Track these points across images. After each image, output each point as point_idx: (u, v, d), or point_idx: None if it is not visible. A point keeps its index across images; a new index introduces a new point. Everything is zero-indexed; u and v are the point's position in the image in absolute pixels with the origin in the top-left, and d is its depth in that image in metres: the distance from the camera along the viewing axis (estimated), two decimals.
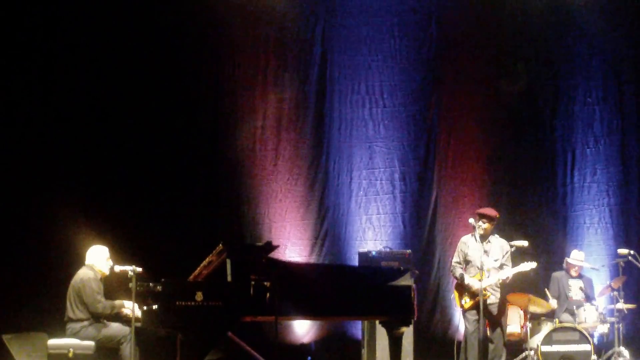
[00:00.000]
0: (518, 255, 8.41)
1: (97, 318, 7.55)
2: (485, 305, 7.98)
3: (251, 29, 10.25)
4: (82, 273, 7.65)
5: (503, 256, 8.29)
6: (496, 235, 8.42)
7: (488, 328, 8.19)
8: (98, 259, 7.72)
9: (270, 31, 10.29)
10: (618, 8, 10.88)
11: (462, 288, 8.27)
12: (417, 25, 10.65)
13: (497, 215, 8.36)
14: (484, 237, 8.19)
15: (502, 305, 8.38)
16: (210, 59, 10.10)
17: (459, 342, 8.74)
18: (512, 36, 10.76)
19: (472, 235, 8.30)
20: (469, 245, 8.35)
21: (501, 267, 8.26)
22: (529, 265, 8.26)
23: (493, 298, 8.21)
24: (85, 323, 7.50)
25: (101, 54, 9.41)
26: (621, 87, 10.87)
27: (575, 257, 9.56)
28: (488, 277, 8.08)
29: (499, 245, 8.33)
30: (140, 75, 9.51)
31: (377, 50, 10.53)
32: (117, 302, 7.62)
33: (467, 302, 8.22)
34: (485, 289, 7.98)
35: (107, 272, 7.72)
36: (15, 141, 8.98)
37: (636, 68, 10.87)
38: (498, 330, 8.25)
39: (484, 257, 8.06)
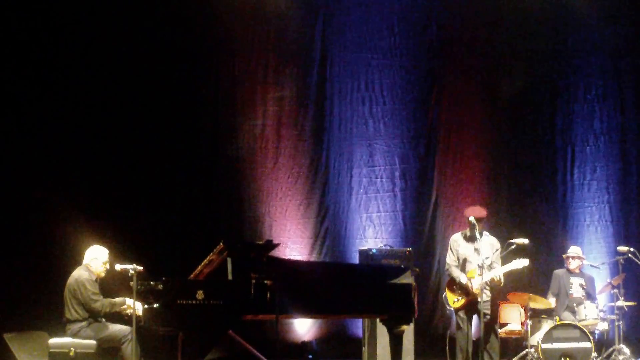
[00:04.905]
0: (518, 253, 8.40)
1: (95, 317, 7.52)
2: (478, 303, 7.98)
3: (251, 27, 10.25)
4: (77, 274, 7.61)
5: (493, 254, 8.29)
6: (486, 234, 8.43)
7: (482, 326, 8.20)
8: (95, 260, 7.69)
9: (270, 29, 10.29)
10: (617, 5, 10.87)
11: (454, 287, 8.27)
12: (417, 23, 10.65)
13: (485, 214, 8.41)
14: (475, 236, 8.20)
15: (494, 303, 8.39)
16: (210, 57, 10.10)
17: (452, 340, 8.70)
18: (511, 34, 10.76)
19: (464, 232, 8.35)
20: (459, 243, 8.40)
21: (491, 265, 8.26)
22: (520, 263, 8.23)
23: (484, 296, 8.19)
24: (84, 324, 7.48)
25: (100, 52, 9.40)
26: (621, 85, 10.87)
27: (573, 251, 9.56)
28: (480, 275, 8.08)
29: (490, 243, 8.35)
30: (140, 74, 9.51)
31: (377, 48, 10.53)
32: (118, 299, 7.58)
33: (459, 300, 8.22)
34: (477, 288, 7.99)
35: (102, 274, 7.71)
36: (16, 140, 8.97)
37: (636, 65, 10.86)
38: (491, 328, 8.26)
39: (474, 255, 8.08)
